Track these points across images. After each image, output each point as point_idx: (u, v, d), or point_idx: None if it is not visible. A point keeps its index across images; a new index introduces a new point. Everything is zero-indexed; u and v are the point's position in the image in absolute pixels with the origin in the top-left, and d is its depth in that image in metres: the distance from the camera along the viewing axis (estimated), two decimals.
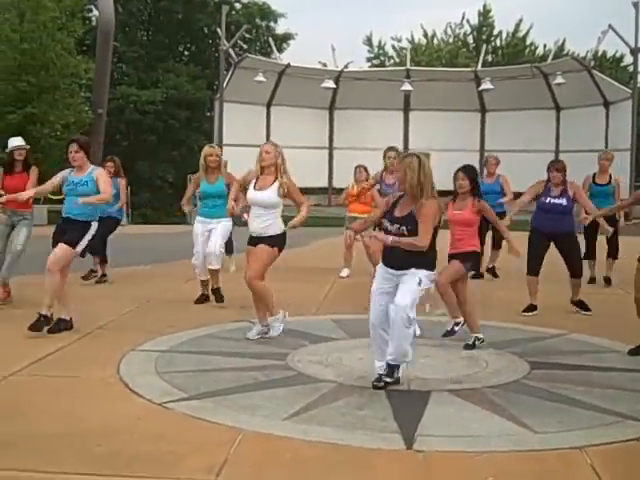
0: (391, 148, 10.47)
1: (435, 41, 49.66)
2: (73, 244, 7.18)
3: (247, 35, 42.49)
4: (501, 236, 11.60)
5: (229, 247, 10.99)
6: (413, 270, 5.41)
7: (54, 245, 7.31)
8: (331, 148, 30.51)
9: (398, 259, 5.44)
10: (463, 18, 48.99)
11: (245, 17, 43.75)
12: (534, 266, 8.63)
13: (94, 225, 7.34)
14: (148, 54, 44.16)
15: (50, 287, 7.11)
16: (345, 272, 11.65)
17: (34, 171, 8.93)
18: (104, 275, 11.07)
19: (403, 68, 31.35)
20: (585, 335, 7.46)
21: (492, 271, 11.71)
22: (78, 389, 5.45)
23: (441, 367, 6.15)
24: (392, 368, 5.48)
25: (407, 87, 28.58)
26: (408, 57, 32.64)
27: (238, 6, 45.76)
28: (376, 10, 65.94)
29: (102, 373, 5.79)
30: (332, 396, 5.28)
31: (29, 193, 7.79)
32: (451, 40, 49.72)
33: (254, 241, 7.12)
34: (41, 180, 8.67)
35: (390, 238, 5.42)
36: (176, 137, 41.41)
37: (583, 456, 4.18)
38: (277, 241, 7.08)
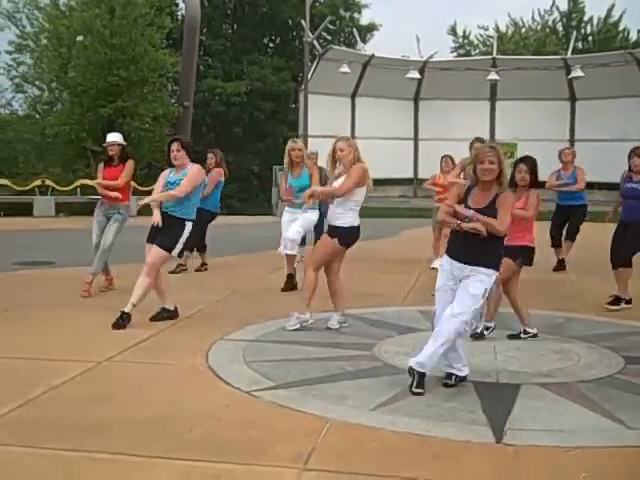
0: (478, 139, 10.26)
1: (522, 29, 48.70)
2: (169, 249, 7.33)
3: (331, 26, 42.51)
4: (574, 229, 11.39)
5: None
6: (481, 269, 5.14)
7: (149, 238, 7.41)
8: (416, 139, 30.27)
9: (469, 252, 5.18)
10: (553, 4, 47.88)
11: (329, 8, 43.76)
12: (614, 258, 8.43)
13: (188, 226, 7.43)
14: (233, 47, 44.62)
15: (140, 287, 7.23)
16: (437, 263, 11.55)
17: (129, 164, 9.21)
18: (204, 264, 11.35)
19: (489, 57, 30.84)
20: None
21: (561, 263, 11.46)
22: (169, 376, 5.56)
23: (531, 360, 6.04)
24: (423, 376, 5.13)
25: (493, 76, 28.12)
26: (495, 45, 32.10)
27: None
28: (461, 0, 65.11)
29: (192, 361, 5.89)
30: None
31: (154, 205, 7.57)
32: (539, 27, 48.67)
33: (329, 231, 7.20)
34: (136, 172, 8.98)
35: (471, 211, 5.16)
36: (261, 129, 41.79)
37: None
38: (341, 233, 7.04)
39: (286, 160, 9.17)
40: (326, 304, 8.16)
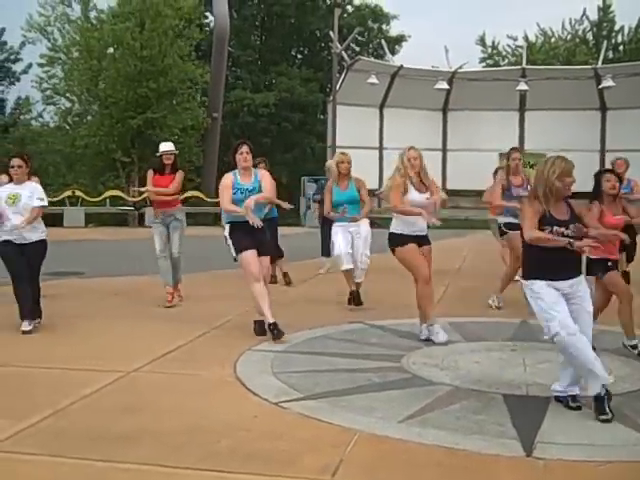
0: (515, 149, 10.09)
1: (552, 39, 48.42)
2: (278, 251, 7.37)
3: (359, 38, 42.56)
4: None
5: (326, 249, 11.01)
6: (582, 276, 5.08)
7: (246, 245, 7.21)
8: (444, 150, 30.15)
9: (576, 264, 5.06)
10: (583, 14, 47.56)
11: (357, 20, 43.80)
12: None
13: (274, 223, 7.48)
14: (261, 58, 44.82)
15: (264, 294, 7.20)
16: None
17: (180, 174, 9.37)
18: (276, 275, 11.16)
19: (519, 67, 30.67)
20: None
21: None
22: (197, 387, 5.58)
23: None
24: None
25: (523, 86, 27.94)
26: (524, 55, 31.94)
27: (350, 9, 45.91)
28: (489, 10, 64.83)
29: (220, 372, 5.90)
30: (448, 399, 5.21)
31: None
32: (569, 37, 48.36)
33: (418, 240, 7.18)
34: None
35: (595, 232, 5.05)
36: (289, 139, 41.87)
37: None
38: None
39: (333, 172, 9.12)
40: (353, 315, 8.19)
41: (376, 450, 4.28)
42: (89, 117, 31.15)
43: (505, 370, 5.95)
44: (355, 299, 9.04)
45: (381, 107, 29.57)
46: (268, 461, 4.06)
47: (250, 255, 7.17)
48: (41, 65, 30.70)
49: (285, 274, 11.03)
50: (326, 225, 10.27)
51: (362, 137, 26.71)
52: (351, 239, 9.04)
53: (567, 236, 4.89)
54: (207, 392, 5.44)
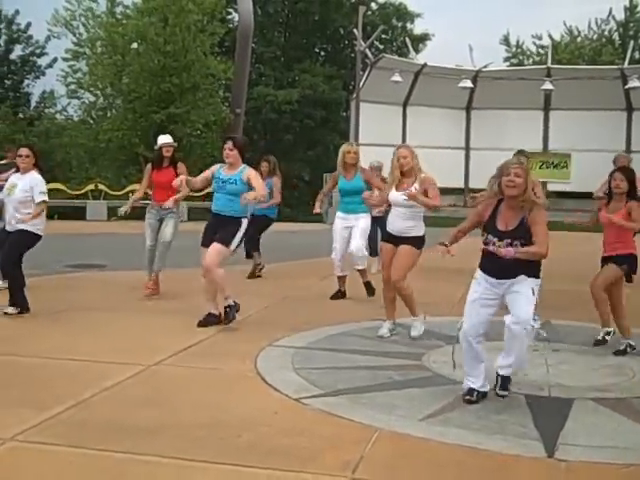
0: (521, 152, 9.93)
1: (578, 38, 48.07)
2: (227, 243, 7.33)
3: (383, 36, 42.48)
4: None
5: (374, 248, 11.01)
6: (523, 277, 5.05)
7: (205, 241, 7.46)
8: (467, 148, 30.00)
9: (508, 268, 5.04)
10: (610, 14, 47.18)
11: (381, 18, 43.76)
12: None
13: (244, 222, 7.50)
14: (285, 55, 44.87)
15: (210, 286, 7.36)
16: None
17: (181, 166, 9.33)
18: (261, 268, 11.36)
19: (544, 66, 30.45)
20: None
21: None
22: (218, 381, 5.58)
23: (583, 374, 5.93)
24: (507, 380, 5.28)
25: (548, 86, 27.74)
26: (549, 55, 31.73)
27: (374, 6, 45.83)
28: (514, 9, 64.50)
29: (241, 367, 5.90)
30: None
31: (181, 178, 7.81)
32: (595, 37, 47.99)
33: (393, 240, 7.15)
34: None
35: (511, 251, 4.96)
36: (312, 137, 41.89)
37: None
38: (422, 243, 7.17)
39: (340, 162, 9.14)
40: (373, 312, 8.16)
41: (397, 448, 4.26)
42: (113, 111, 31.30)
43: (527, 370, 5.89)
44: (367, 289, 9.35)
45: (404, 105, 29.48)
46: (288, 457, 4.05)
47: (203, 249, 7.42)
48: (66, 59, 30.88)
49: (258, 264, 11.28)
50: (376, 224, 10.26)
51: (385, 135, 26.60)
52: (348, 235, 9.18)
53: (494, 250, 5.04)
54: (227, 387, 5.44)
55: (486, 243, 5.16)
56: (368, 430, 4.47)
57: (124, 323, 7.66)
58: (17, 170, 8.13)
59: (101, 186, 27.01)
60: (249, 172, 7.50)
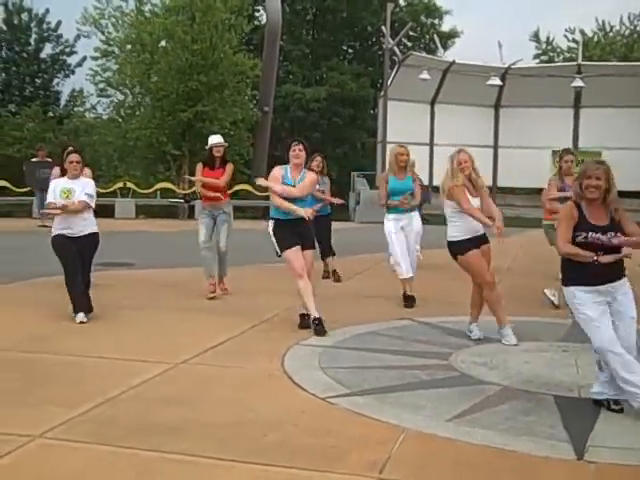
0: (568, 151, 9.84)
1: (609, 34, 47.53)
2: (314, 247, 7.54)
3: (411, 33, 42.29)
4: None
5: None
6: (625, 279, 5.01)
7: (291, 243, 7.30)
8: (496, 147, 29.84)
9: (616, 270, 4.96)
10: None
11: (410, 15, 43.54)
12: None
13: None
14: (313, 52, 44.82)
15: (308, 290, 7.29)
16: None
17: (230, 167, 9.39)
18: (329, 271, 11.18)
19: (574, 63, 30.21)
20: None
21: None
22: (245, 380, 5.59)
23: None
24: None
25: (578, 83, 27.51)
26: (580, 51, 31.45)
27: (403, 3, 45.64)
28: (544, 4, 63.83)
29: (268, 365, 5.91)
30: (497, 399, 5.15)
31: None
32: (627, 33, 47.42)
33: (479, 242, 7.10)
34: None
35: (621, 238, 4.89)
36: (339, 134, 41.81)
37: None
38: None
39: (391, 163, 9.12)
40: (400, 311, 8.15)
41: (424, 448, 4.24)
42: (141, 110, 31.45)
43: (556, 371, 5.85)
44: (408, 300, 8.91)
45: (432, 103, 29.39)
46: (315, 457, 4.05)
47: (293, 252, 7.27)
48: (95, 58, 31.08)
49: (334, 272, 10.99)
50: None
51: (413, 133, 26.55)
52: (404, 237, 9.01)
53: (602, 242, 4.85)
54: (254, 385, 5.45)
55: (588, 243, 4.96)
56: (395, 430, 4.45)
57: (151, 321, 7.70)
58: (62, 174, 8.22)
59: (129, 184, 27.15)
60: (311, 177, 7.56)
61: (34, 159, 21.82)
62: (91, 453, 4.07)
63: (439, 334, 7.25)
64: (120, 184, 27.08)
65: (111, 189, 26.62)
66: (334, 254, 11.10)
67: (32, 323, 7.45)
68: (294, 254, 7.26)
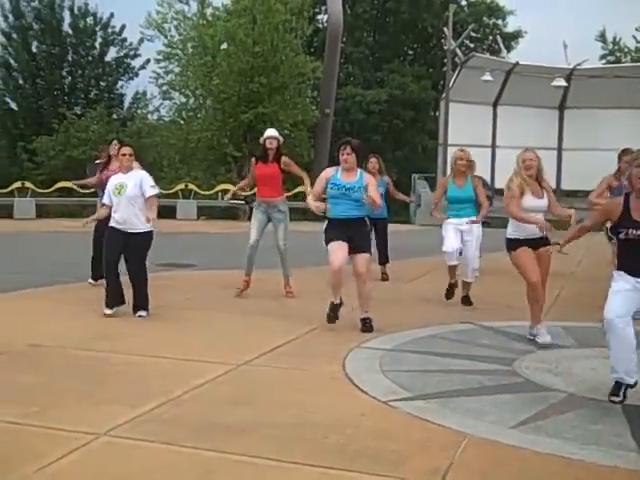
0: (627, 150, 9.66)
1: None
2: (370, 249, 7.55)
3: (474, 34, 41.93)
4: None
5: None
6: None
7: (330, 239, 7.32)
8: (560, 149, 29.37)
9: None
10: None
11: (472, 16, 43.19)
12: None
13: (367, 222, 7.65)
14: (374, 54, 44.76)
15: (365, 291, 7.40)
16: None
17: (286, 161, 9.26)
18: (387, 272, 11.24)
19: None
20: None
21: None
22: (305, 382, 5.58)
23: None
24: None
25: None
26: None
27: (465, 4, 45.26)
28: (611, 3, 62.59)
29: (328, 368, 5.89)
30: (562, 407, 5.04)
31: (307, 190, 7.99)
32: None
33: (535, 242, 6.99)
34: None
35: None
36: (400, 137, 41.69)
37: None
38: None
39: (451, 168, 9.07)
40: (462, 315, 8.06)
41: (487, 455, 4.17)
42: (203, 112, 31.79)
43: None
44: (465, 300, 8.94)
45: (495, 105, 29.09)
46: (377, 460, 4.01)
47: (335, 244, 7.25)
48: (158, 61, 31.55)
49: (384, 273, 11.06)
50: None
51: (475, 135, 26.30)
52: (461, 237, 8.88)
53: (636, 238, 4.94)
54: (315, 388, 5.43)
55: (627, 240, 5.04)
56: (457, 436, 4.39)
57: (213, 322, 7.75)
58: (102, 169, 8.35)
59: (191, 186, 27.47)
60: (368, 179, 7.46)
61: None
62: (154, 452, 4.11)
63: (501, 338, 7.15)
64: (182, 185, 27.43)
65: (173, 190, 26.96)
66: (388, 261, 11.20)
67: (96, 322, 7.56)
68: (335, 246, 7.25)
